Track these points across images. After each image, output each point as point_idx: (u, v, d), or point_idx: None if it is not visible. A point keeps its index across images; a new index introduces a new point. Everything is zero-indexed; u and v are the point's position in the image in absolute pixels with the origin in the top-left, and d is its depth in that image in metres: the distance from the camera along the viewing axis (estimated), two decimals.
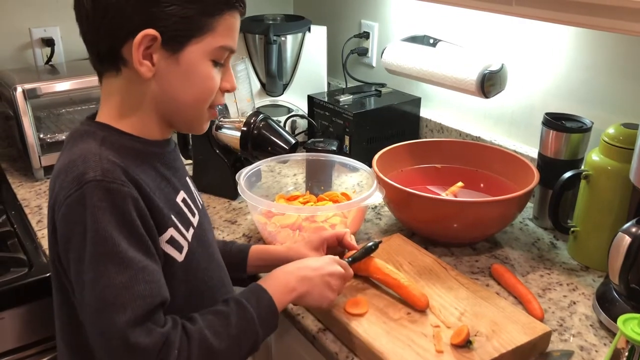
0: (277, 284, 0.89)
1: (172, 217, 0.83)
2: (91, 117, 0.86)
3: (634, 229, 0.91)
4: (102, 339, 0.74)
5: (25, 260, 1.19)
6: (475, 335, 0.92)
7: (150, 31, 0.75)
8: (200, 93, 0.83)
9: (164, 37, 0.77)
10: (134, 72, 0.78)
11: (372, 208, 1.41)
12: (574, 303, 1.08)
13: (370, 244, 1.06)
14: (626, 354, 0.82)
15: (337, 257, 0.99)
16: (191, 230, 0.87)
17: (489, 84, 1.37)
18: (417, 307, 0.98)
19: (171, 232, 0.82)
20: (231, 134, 1.39)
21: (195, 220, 0.89)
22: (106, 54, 0.79)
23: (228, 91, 0.88)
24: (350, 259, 1.03)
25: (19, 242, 1.26)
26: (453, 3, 1.11)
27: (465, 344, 0.89)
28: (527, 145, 1.44)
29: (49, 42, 1.73)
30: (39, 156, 1.53)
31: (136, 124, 0.83)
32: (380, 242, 1.08)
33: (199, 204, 0.95)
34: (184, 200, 0.88)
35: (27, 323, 1.15)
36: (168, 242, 0.82)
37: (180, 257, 0.83)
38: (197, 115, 0.86)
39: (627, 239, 0.91)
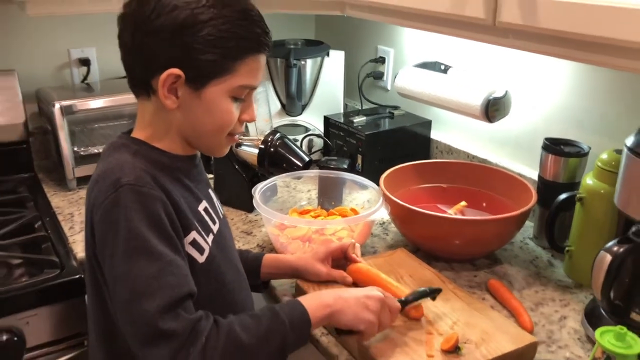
0: (313, 300, 0.94)
1: (195, 222, 0.93)
2: (127, 132, 0.97)
3: (615, 248, 0.98)
4: (133, 326, 0.82)
5: (57, 263, 1.29)
6: (465, 343, 0.99)
7: (175, 70, 0.85)
8: (219, 125, 0.93)
9: (187, 76, 0.86)
10: (162, 101, 0.89)
11: (380, 224, 1.49)
12: (564, 318, 1.14)
13: (426, 289, 1.06)
14: None
15: (380, 289, 1.00)
16: (211, 236, 0.96)
17: (493, 109, 1.45)
18: (412, 317, 1.05)
19: (194, 235, 0.91)
20: (250, 151, 1.49)
21: (215, 228, 0.99)
22: (139, 82, 0.90)
23: (247, 122, 0.98)
24: (403, 299, 1.02)
25: (52, 246, 1.37)
26: (456, 34, 1.19)
27: (454, 350, 0.97)
28: (530, 168, 1.51)
29: (85, 62, 1.86)
30: (73, 168, 1.65)
31: (164, 142, 0.94)
32: (440, 290, 1.07)
33: (220, 213, 1.04)
34: (205, 209, 0.98)
35: (58, 320, 1.25)
36: (191, 243, 0.91)
37: (201, 258, 0.93)
38: (216, 143, 0.96)
39: (609, 257, 0.97)
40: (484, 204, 1.44)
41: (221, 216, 1.05)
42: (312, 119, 1.92)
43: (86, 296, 1.00)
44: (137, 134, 0.95)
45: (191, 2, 0.85)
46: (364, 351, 0.99)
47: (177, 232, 0.88)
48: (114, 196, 0.84)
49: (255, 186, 1.35)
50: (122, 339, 0.87)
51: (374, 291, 0.98)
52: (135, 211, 0.83)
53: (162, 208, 0.85)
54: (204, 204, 0.99)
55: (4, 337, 1.17)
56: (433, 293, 1.06)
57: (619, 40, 0.88)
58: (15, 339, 1.18)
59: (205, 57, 0.86)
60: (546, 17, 0.98)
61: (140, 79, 0.90)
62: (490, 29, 1.09)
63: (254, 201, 1.30)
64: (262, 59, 0.93)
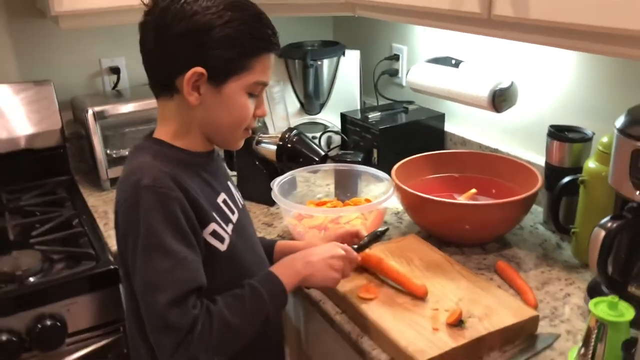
0: (285, 269, 1.04)
1: (214, 214, 1.01)
2: (149, 135, 1.06)
3: (608, 224, 1.03)
4: (148, 315, 0.93)
5: (93, 255, 1.40)
6: (469, 317, 1.05)
7: (199, 69, 0.94)
8: (236, 119, 1.02)
9: (209, 73, 0.95)
10: (184, 99, 0.97)
11: (395, 213, 1.55)
12: (569, 295, 1.19)
13: (376, 231, 1.19)
14: (596, 330, 0.94)
15: (338, 243, 1.12)
16: (230, 226, 1.05)
17: (500, 99, 1.50)
18: (418, 295, 1.12)
19: (213, 226, 1.00)
20: (269, 148, 1.58)
21: (234, 218, 1.07)
22: (162, 82, 0.99)
23: (260, 117, 1.06)
24: (356, 246, 1.14)
25: (89, 240, 1.48)
26: (455, 29, 1.25)
27: (458, 323, 1.03)
28: (539, 155, 1.55)
29: (115, 70, 1.98)
30: (106, 169, 1.76)
31: (184, 139, 1.02)
32: (387, 229, 1.20)
33: (240, 204, 1.13)
34: (224, 201, 1.06)
35: (96, 307, 1.36)
36: (211, 234, 0.99)
37: (222, 247, 1.01)
38: (233, 137, 1.05)
39: (602, 233, 1.02)
40: (494, 191, 1.49)
41: (240, 206, 1.13)
42: (331, 117, 2.00)
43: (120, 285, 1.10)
44: (159, 133, 1.04)
45: (210, 7, 0.94)
46: (373, 326, 1.06)
47: (194, 227, 0.96)
48: (134, 197, 0.93)
49: (273, 180, 1.44)
50: None
51: (336, 249, 1.09)
52: (153, 211, 0.92)
53: (178, 207, 0.94)
54: (222, 196, 1.07)
55: (48, 323, 1.28)
56: (382, 234, 1.17)
57: (609, 28, 0.93)
58: (58, 324, 1.29)
59: (225, 56, 0.94)
60: (537, 9, 1.04)
61: (163, 80, 0.98)
62: (486, 22, 1.15)
63: (272, 193, 1.39)
64: (272, 57, 1.02)
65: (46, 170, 1.82)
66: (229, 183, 1.13)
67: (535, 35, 1.08)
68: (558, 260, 1.32)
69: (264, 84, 1.02)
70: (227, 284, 1.00)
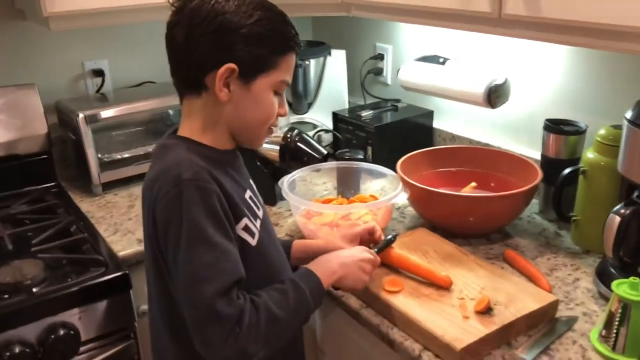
0: (322, 268, 1.07)
1: (245, 209, 1.02)
2: (172, 133, 1.05)
3: (622, 210, 1.10)
4: (193, 308, 0.92)
5: (102, 261, 1.37)
6: (495, 304, 1.10)
7: (232, 65, 0.95)
8: (264, 116, 1.03)
9: (240, 70, 0.96)
10: (213, 96, 0.98)
11: (397, 208, 1.59)
12: (577, 279, 1.26)
13: (390, 236, 1.24)
14: (619, 311, 1.00)
15: (365, 247, 1.17)
16: (258, 221, 1.06)
17: (495, 95, 1.56)
18: (443, 286, 1.16)
19: (245, 221, 1.01)
20: (271, 148, 1.58)
21: (260, 213, 1.09)
22: (191, 80, 0.99)
23: (282, 115, 1.08)
24: (376, 249, 1.20)
25: (92, 247, 1.45)
26: (464, 28, 1.30)
27: (486, 311, 1.07)
28: (530, 149, 1.63)
29: (99, 73, 1.94)
30: (98, 174, 1.72)
31: (211, 137, 1.03)
32: (397, 234, 1.26)
33: (261, 200, 1.14)
34: (250, 197, 1.07)
35: (107, 314, 1.33)
36: (243, 229, 1.01)
37: (253, 242, 1.02)
38: (258, 134, 1.06)
39: (618, 219, 1.09)
40: (492, 184, 1.55)
41: (262, 202, 1.14)
42: (318, 116, 2.02)
43: (146, 284, 1.09)
44: (184, 131, 1.03)
45: (240, 6, 0.96)
46: (403, 317, 1.09)
47: (230, 221, 0.97)
48: (175, 190, 0.93)
49: (282, 179, 1.45)
50: (184, 319, 0.95)
51: (365, 253, 1.14)
52: (195, 204, 0.92)
53: (217, 201, 0.95)
54: (248, 192, 1.08)
55: (61, 332, 1.25)
56: (394, 239, 1.24)
57: (619, 25, 0.99)
58: (72, 332, 1.26)
59: (255, 53, 0.96)
60: (549, 7, 1.09)
61: (192, 77, 0.98)
62: (496, 22, 1.20)
63: (282, 191, 1.40)
64: (295, 57, 1.04)
65: (31, 176, 1.76)
66: (250, 180, 1.14)
67: (547, 33, 1.13)
68: (560, 247, 1.39)
69: (288, 83, 1.04)
70: (256, 279, 1.00)
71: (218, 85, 0.96)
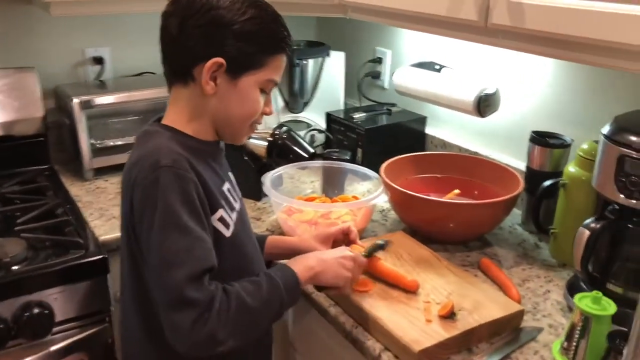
0: (299, 264, 1.07)
1: (222, 201, 1.04)
2: (157, 120, 1.07)
3: (592, 225, 1.10)
4: (163, 292, 0.93)
5: (81, 244, 1.39)
6: (460, 310, 1.10)
7: (219, 59, 0.97)
8: (247, 112, 1.04)
9: (228, 65, 0.98)
10: (200, 88, 0.99)
11: (380, 211, 1.60)
12: (549, 291, 1.26)
13: (381, 241, 1.23)
14: (580, 324, 1.00)
15: (349, 248, 1.17)
16: (235, 213, 1.08)
17: (484, 104, 1.57)
18: (410, 289, 1.16)
19: (221, 212, 1.02)
20: (259, 143, 1.60)
21: (237, 206, 1.10)
22: (180, 70, 1.01)
23: (267, 114, 1.09)
24: (365, 252, 1.18)
25: (75, 229, 1.47)
26: (451, 35, 1.31)
27: (449, 315, 1.08)
28: (517, 160, 1.63)
29: (99, 61, 1.97)
30: (90, 159, 1.75)
31: (195, 127, 1.04)
32: (389, 242, 1.25)
33: (239, 193, 1.16)
34: (228, 190, 1.09)
35: (83, 297, 1.35)
36: (219, 220, 1.02)
37: (227, 233, 1.04)
38: (241, 130, 1.08)
39: (587, 233, 1.09)
40: (476, 192, 1.55)
41: (240, 195, 1.16)
42: (313, 116, 2.04)
43: (120, 267, 1.10)
44: (168, 120, 1.05)
45: (235, 2, 0.98)
46: (367, 316, 1.10)
47: (206, 211, 0.99)
48: (153, 176, 0.94)
49: (265, 175, 1.46)
50: (155, 304, 0.97)
51: (346, 251, 1.13)
52: (171, 190, 0.94)
53: (194, 189, 0.96)
54: (227, 184, 1.10)
55: (36, 310, 1.27)
56: (385, 245, 1.23)
57: (599, 40, 0.99)
58: (46, 312, 1.28)
59: (245, 50, 0.98)
60: (532, 19, 1.09)
61: (181, 67, 1.00)
62: (482, 30, 1.21)
63: (264, 187, 1.41)
64: (285, 58, 1.05)
65: (26, 158, 1.80)
66: (229, 173, 1.16)
67: (531, 45, 1.13)
68: (537, 259, 1.39)
69: (275, 83, 1.06)
70: (229, 270, 1.01)
71: (205, 78, 0.98)
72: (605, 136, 1.09)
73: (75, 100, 1.71)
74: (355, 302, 1.14)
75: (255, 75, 1.01)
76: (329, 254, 1.12)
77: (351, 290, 1.15)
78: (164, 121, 1.05)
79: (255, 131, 1.60)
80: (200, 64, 0.97)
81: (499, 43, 1.21)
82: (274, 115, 1.82)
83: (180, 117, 1.04)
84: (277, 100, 1.97)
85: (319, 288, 1.13)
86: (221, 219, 1.02)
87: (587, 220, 1.11)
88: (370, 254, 1.20)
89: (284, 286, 1.01)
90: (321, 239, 1.25)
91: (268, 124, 1.73)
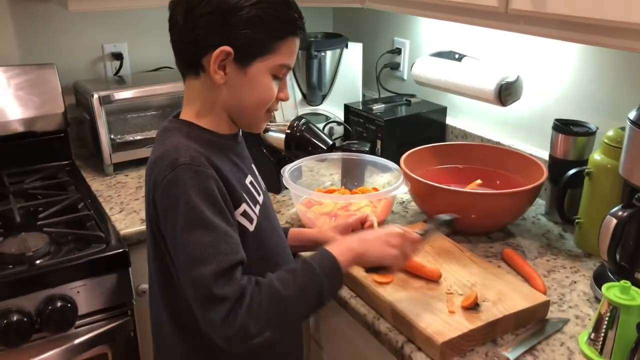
0: (338, 246, 1.02)
1: (244, 195, 1.02)
2: (176, 116, 1.06)
3: (619, 213, 1.07)
4: (193, 289, 0.92)
5: (103, 237, 1.40)
6: (484, 301, 1.08)
7: (226, 48, 0.95)
8: (260, 100, 1.02)
9: (236, 53, 0.96)
10: (210, 78, 0.98)
11: (400, 203, 1.58)
12: (575, 282, 1.23)
13: (446, 217, 1.10)
14: (608, 315, 0.98)
15: (401, 226, 1.07)
16: (258, 207, 1.06)
17: (505, 93, 1.54)
18: (431, 278, 1.15)
19: (244, 206, 1.01)
20: (277, 136, 1.59)
21: (260, 199, 1.09)
22: (189, 60, 1.00)
23: (283, 100, 1.07)
24: (421, 232, 1.08)
25: (96, 224, 1.48)
26: (471, 22, 1.28)
27: (473, 307, 1.06)
28: (541, 149, 1.60)
29: (118, 57, 1.98)
30: (110, 154, 1.76)
31: (211, 121, 1.03)
32: (455, 217, 1.11)
33: (263, 186, 1.15)
34: (251, 183, 1.08)
35: (105, 290, 1.36)
36: (242, 214, 1.01)
37: (251, 227, 1.03)
38: (256, 117, 1.06)
39: (614, 221, 1.06)
40: (498, 182, 1.53)
41: (264, 188, 1.15)
42: (332, 108, 2.02)
43: (147, 264, 1.10)
44: (185, 114, 1.04)
45: None
46: (389, 308, 1.09)
47: (229, 205, 0.97)
48: (172, 174, 0.93)
49: (284, 167, 1.46)
50: (184, 299, 0.97)
51: (392, 228, 1.06)
52: (191, 187, 0.93)
53: (215, 184, 0.95)
54: (249, 177, 1.08)
55: (59, 304, 1.28)
56: (449, 223, 1.10)
57: (625, 22, 0.97)
58: (69, 305, 1.29)
59: (252, 36, 0.95)
60: (554, 3, 1.07)
61: (191, 58, 0.99)
62: (502, 16, 1.18)
63: (283, 179, 1.41)
64: (298, 41, 1.02)
65: (47, 154, 1.81)
66: (252, 165, 1.15)
67: (552, 29, 1.11)
68: (562, 249, 1.36)
69: (289, 67, 1.03)
70: (253, 264, 0.99)
71: (213, 68, 0.96)
72: (632, 121, 1.07)
73: (95, 96, 1.72)
74: (376, 293, 1.12)
75: (266, 62, 0.98)
76: (372, 233, 1.07)
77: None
78: (182, 116, 1.04)
79: (274, 124, 1.63)
80: (209, 53, 0.96)
81: (520, 29, 1.18)
82: (292, 108, 1.81)
83: (196, 111, 1.03)
84: (295, 92, 1.96)
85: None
86: (244, 214, 1.01)
87: (614, 209, 1.08)
88: (427, 233, 1.08)
89: (321, 270, 0.97)
90: (340, 230, 1.23)
91: (286, 116, 1.72)
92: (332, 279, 0.98)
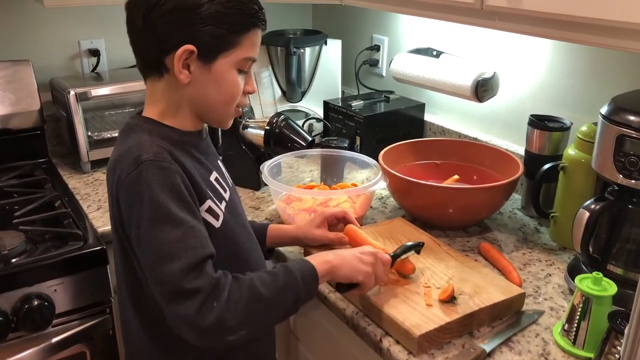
0: (316, 257, 1.03)
1: (208, 191, 1.02)
2: (138, 113, 1.05)
3: (592, 206, 1.09)
4: (161, 286, 0.91)
5: (80, 235, 1.39)
6: (460, 294, 1.10)
7: (189, 46, 0.94)
8: (227, 96, 1.02)
9: (199, 51, 0.95)
10: (174, 78, 0.97)
11: (379, 198, 1.59)
12: (550, 275, 1.25)
13: (411, 242, 1.17)
14: (581, 305, 1.00)
15: (374, 247, 1.13)
16: (224, 203, 1.06)
17: (482, 89, 1.56)
18: (405, 273, 1.16)
19: (209, 203, 1.01)
20: (256, 133, 1.59)
21: (227, 195, 1.08)
22: (151, 62, 0.98)
23: (250, 93, 1.07)
24: (392, 254, 1.12)
25: (74, 221, 1.47)
26: (447, 19, 1.30)
27: (450, 300, 1.07)
28: (516, 144, 1.62)
29: (94, 53, 1.96)
30: (87, 151, 1.74)
31: (174, 119, 1.02)
32: (422, 243, 1.17)
33: (229, 182, 1.14)
34: (216, 179, 1.07)
35: (83, 288, 1.35)
36: (207, 211, 1.00)
37: (217, 223, 1.02)
38: (224, 114, 1.05)
39: (587, 214, 1.08)
40: (475, 177, 1.55)
41: (230, 185, 1.14)
42: (312, 105, 2.03)
43: (114, 265, 1.09)
44: (148, 113, 1.02)
45: None
46: (367, 302, 1.09)
47: (195, 201, 0.97)
48: (136, 172, 0.92)
49: (263, 164, 1.46)
50: (151, 299, 0.96)
51: (367, 247, 1.10)
52: (156, 183, 0.91)
53: (180, 180, 0.94)
54: (214, 174, 1.08)
55: (35, 302, 1.27)
56: (417, 246, 1.16)
57: (600, 19, 0.98)
58: (46, 303, 1.28)
59: (214, 32, 0.95)
60: (529, 0, 1.08)
61: (152, 59, 0.97)
62: (478, 13, 1.20)
63: (262, 176, 1.41)
64: (260, 33, 1.02)
65: (23, 151, 1.79)
66: (219, 162, 1.14)
67: (527, 25, 1.12)
68: (537, 243, 1.38)
69: (253, 60, 1.03)
70: (222, 260, 0.99)
71: (177, 68, 0.95)
72: (604, 116, 1.09)
73: (72, 93, 1.70)
74: None
75: (230, 57, 0.98)
76: (347, 250, 1.08)
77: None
78: (144, 113, 1.03)
79: (254, 120, 1.62)
80: (171, 53, 0.94)
81: (496, 25, 1.20)
82: (272, 104, 1.81)
83: (159, 110, 1.01)
84: (275, 89, 1.96)
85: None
86: (209, 210, 1.01)
87: (587, 202, 1.11)
88: (397, 255, 1.13)
89: (301, 278, 0.98)
90: (316, 224, 1.24)
91: (266, 113, 1.72)
92: (309, 288, 0.99)
